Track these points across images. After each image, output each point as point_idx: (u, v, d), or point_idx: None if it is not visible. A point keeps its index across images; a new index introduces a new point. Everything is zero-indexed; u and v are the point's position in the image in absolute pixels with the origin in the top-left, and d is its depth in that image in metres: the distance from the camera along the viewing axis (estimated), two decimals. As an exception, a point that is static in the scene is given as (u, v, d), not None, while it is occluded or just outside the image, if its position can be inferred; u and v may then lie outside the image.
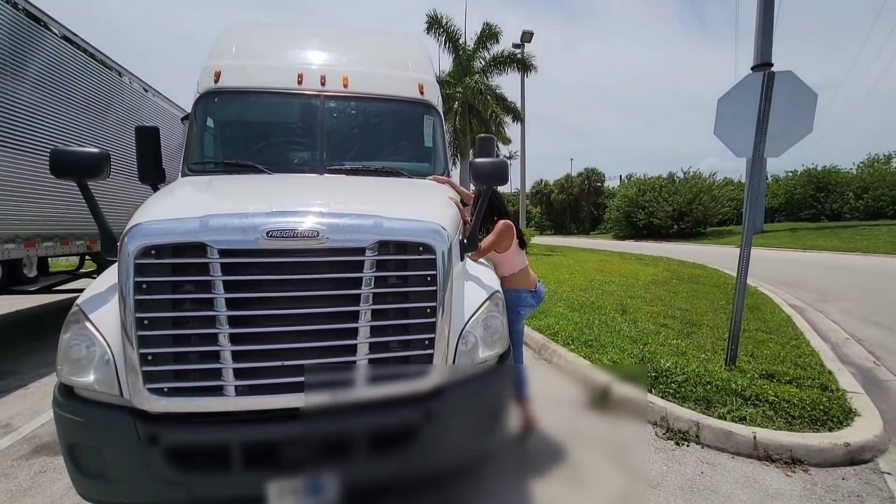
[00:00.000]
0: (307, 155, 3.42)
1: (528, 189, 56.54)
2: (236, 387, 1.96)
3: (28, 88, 5.29)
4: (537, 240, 31.17)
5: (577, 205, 64.88)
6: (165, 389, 1.92)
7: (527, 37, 21.43)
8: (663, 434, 3.38)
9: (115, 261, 2.30)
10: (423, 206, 2.56)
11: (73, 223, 6.20)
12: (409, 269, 2.14)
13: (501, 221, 3.15)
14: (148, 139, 3.36)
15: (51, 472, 2.90)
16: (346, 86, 3.57)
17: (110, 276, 2.33)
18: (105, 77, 6.96)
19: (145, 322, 1.90)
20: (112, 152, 2.57)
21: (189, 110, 3.55)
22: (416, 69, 3.93)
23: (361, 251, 2.04)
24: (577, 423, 3.60)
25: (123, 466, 1.99)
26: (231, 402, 1.98)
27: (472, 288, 2.50)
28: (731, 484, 2.77)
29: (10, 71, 5.01)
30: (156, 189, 3.27)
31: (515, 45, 21.49)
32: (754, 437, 3.06)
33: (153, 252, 1.90)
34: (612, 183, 62.61)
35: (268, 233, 1.94)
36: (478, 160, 2.62)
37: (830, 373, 4.31)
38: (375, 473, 2.16)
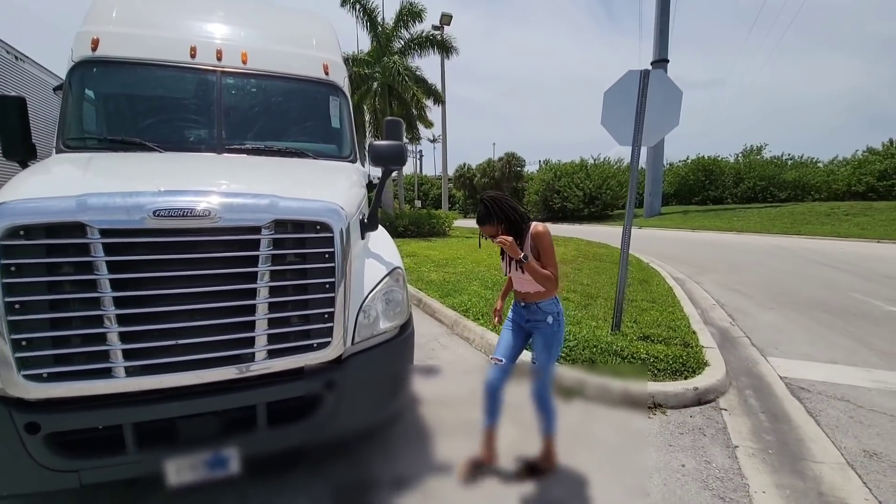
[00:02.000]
0: (203, 133, 3.29)
1: (451, 173, 57.31)
2: (126, 368, 1.94)
3: None
4: (460, 223, 31.91)
5: (498, 188, 66.93)
6: (45, 375, 1.86)
7: (446, 19, 21.52)
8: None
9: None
10: (325, 187, 2.63)
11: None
12: (306, 246, 2.22)
13: (536, 225, 2.56)
14: (13, 111, 3.04)
15: None
16: (244, 62, 3.46)
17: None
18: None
19: (16, 306, 1.81)
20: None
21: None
22: (321, 48, 3.88)
23: (257, 230, 2.08)
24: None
25: (1, 458, 1.89)
26: (121, 384, 1.95)
27: (373, 265, 2.64)
28: (605, 428, 3.22)
29: None
30: (24, 166, 2.99)
31: (435, 27, 21.47)
32: (625, 389, 3.56)
33: (22, 233, 1.81)
34: (531, 168, 65.38)
35: (154, 212, 1.92)
36: (377, 143, 2.74)
37: (694, 333, 5.06)
38: (279, 443, 2.26)
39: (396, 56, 18.54)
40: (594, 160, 42.49)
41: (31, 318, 1.83)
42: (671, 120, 4.47)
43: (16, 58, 7.30)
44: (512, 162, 64.87)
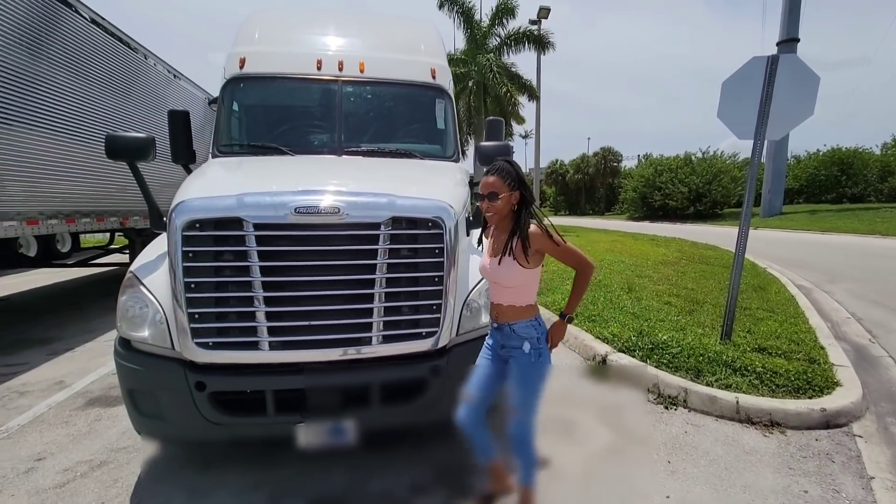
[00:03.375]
0: (326, 137, 3.67)
1: (542, 169, 56.04)
2: (270, 342, 2.27)
3: (72, 76, 5.62)
4: (552, 220, 31.09)
5: (592, 185, 64.05)
6: (210, 343, 2.24)
7: (543, 13, 21.01)
8: (654, 399, 3.65)
9: (160, 233, 2.64)
10: (434, 185, 2.81)
11: (107, 201, 6.60)
12: (419, 242, 2.41)
13: (533, 227, 2.03)
14: (179, 122, 3.63)
15: (105, 420, 3.30)
16: (362, 71, 3.78)
17: (156, 246, 2.66)
18: (136, 62, 7.30)
19: (192, 286, 2.21)
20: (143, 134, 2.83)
21: (213, 94, 3.80)
22: (428, 53, 4.11)
23: (377, 226, 2.31)
24: (574, 388, 3.90)
25: (175, 408, 2.33)
26: (265, 356, 2.29)
27: (476, 261, 2.75)
28: (712, 442, 3.03)
29: (48, 56, 5.33)
30: (187, 169, 3.57)
31: (532, 22, 21.10)
32: (737, 402, 3.31)
33: (197, 225, 2.20)
34: (629, 163, 61.67)
35: (295, 209, 2.22)
36: (483, 143, 2.85)
37: (822, 348, 4.50)
38: (389, 420, 2.49)
39: (491, 54, 18.57)
40: (702, 154, 38.82)
41: (202, 296, 2.22)
42: (804, 109, 4.01)
43: (174, 76, 8.60)
44: (608, 157, 61.70)
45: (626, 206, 45.60)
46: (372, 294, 2.33)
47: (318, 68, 3.73)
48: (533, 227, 2.01)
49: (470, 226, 2.85)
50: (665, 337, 4.47)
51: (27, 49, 5.06)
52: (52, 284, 8.95)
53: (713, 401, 3.39)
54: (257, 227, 2.22)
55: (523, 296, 2.09)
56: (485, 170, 2.08)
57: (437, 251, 2.41)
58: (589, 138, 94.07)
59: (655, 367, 3.95)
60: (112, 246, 9.36)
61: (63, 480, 2.57)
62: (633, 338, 4.55)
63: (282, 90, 3.78)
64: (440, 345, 2.46)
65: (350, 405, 2.41)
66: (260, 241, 2.22)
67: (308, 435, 2.35)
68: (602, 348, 4.43)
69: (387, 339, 2.38)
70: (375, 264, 2.32)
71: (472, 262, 2.73)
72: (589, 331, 5.01)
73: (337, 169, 3.12)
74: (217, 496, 2.44)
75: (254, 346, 2.28)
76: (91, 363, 4.51)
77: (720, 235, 19.83)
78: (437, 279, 2.41)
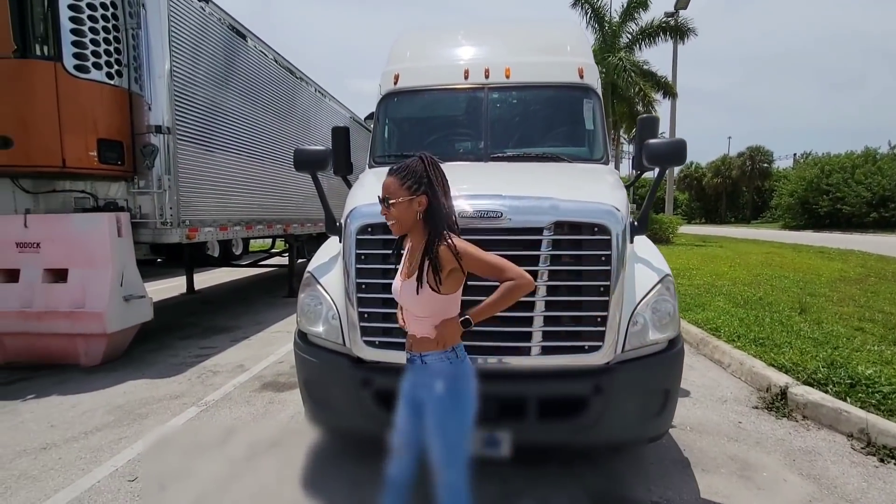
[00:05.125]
0: (473, 144, 3.71)
1: (675, 173, 51.23)
2: (432, 346, 2.31)
3: (249, 104, 6.66)
4: (685, 229, 28.20)
5: (735, 190, 56.72)
6: (377, 343, 2.36)
7: (682, 2, 19.29)
8: (862, 448, 2.96)
9: (332, 236, 2.87)
10: (595, 188, 2.64)
11: (274, 211, 7.63)
12: (583, 248, 2.26)
13: (455, 241, 1.63)
14: (341, 137, 3.97)
15: (277, 404, 3.72)
16: (507, 77, 3.75)
17: (328, 248, 2.90)
18: (304, 91, 8.40)
19: (363, 286, 2.34)
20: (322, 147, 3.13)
21: (352, 110, 4.08)
22: (574, 53, 3.95)
23: (539, 231, 2.22)
24: (746, 423, 3.36)
25: (342, 401, 2.49)
26: (425, 358, 2.33)
27: (642, 271, 2.51)
28: (964, 515, 2.34)
29: (232, 88, 6.35)
30: (346, 181, 3.88)
31: (668, 14, 19.47)
32: None
33: (369, 229, 2.33)
34: (782, 164, 53.33)
35: (460, 213, 2.22)
36: (652, 141, 2.60)
37: None
38: (544, 437, 2.36)
39: (623, 52, 17.51)
40: (891, 147, 31.88)
41: (371, 297, 2.35)
42: None
43: (322, 95, 9.64)
44: (756, 157, 54.11)
45: (781, 213, 39.39)
46: (533, 302, 2.23)
47: (466, 77, 3.79)
48: (460, 247, 1.60)
49: (634, 231, 2.61)
50: (869, 371, 3.64)
51: (219, 84, 6.07)
52: (230, 281, 10.59)
53: (959, 460, 2.63)
54: (421, 232, 2.27)
55: (428, 317, 1.68)
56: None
57: (603, 258, 2.23)
58: (730, 137, 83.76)
59: (861, 407, 3.21)
60: (273, 250, 10.77)
61: (250, 454, 2.93)
62: (821, 369, 3.79)
63: (432, 101, 3.93)
64: (604, 361, 2.27)
65: (506, 417, 2.34)
66: (424, 245, 2.28)
67: (463, 442, 2.33)
68: (779, 378, 3.76)
69: (546, 351, 2.27)
70: (537, 271, 2.22)
71: (638, 272, 2.49)
72: (758, 356, 4.31)
73: (490, 174, 3.11)
74: (373, 489, 2.55)
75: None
76: (262, 350, 5.17)
77: (921, 248, 15.96)
78: (602, 289, 2.23)
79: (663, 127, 29.96)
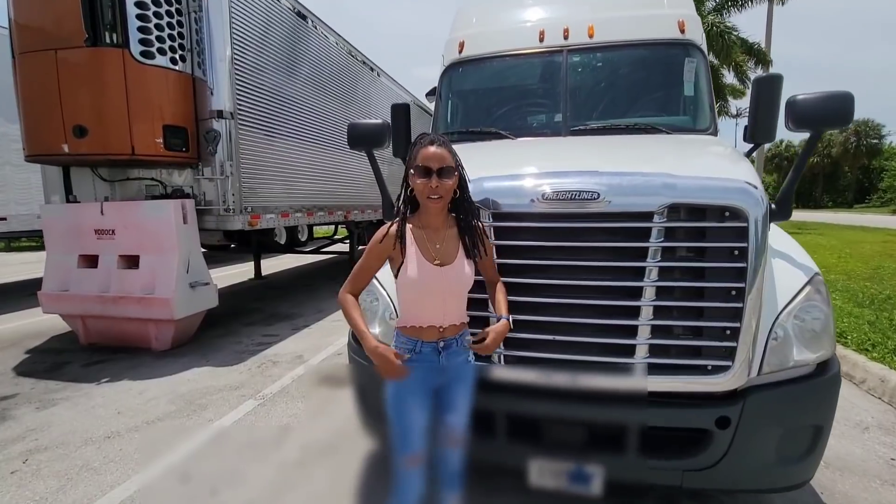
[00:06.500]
0: (549, 117, 3.21)
1: (765, 151, 46.63)
2: (504, 356, 1.91)
3: (312, 91, 6.53)
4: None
5: (835, 170, 50.46)
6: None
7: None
8: None
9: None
10: (715, 161, 2.07)
11: (335, 198, 7.54)
12: (708, 238, 1.74)
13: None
14: (401, 115, 3.61)
15: (333, 403, 3.50)
16: (591, 36, 3.19)
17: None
18: (366, 75, 8.23)
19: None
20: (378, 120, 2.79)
21: (414, 94, 3.68)
22: (673, 4, 3.30)
23: (648, 216, 1.72)
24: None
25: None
26: (496, 371, 1.93)
27: (783, 268, 1.93)
28: None
29: (297, 76, 6.22)
30: (405, 162, 3.53)
31: (761, -29, 17.19)
32: None
33: None
34: (895, 139, 46.56)
35: (543, 195, 1.78)
36: (802, 96, 1.98)
37: None
38: (646, 476, 1.88)
39: (711, 15, 15.67)
40: None
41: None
42: None
43: (378, 74, 9.39)
44: (863, 132, 47.63)
45: (892, 196, 34.42)
46: (638, 307, 1.75)
47: (541, 40, 3.28)
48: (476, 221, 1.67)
49: (773, 217, 2.01)
50: None
51: (281, 68, 5.95)
52: (295, 267, 10.81)
53: None
54: (496, 216, 1.86)
55: (465, 299, 1.69)
56: (422, 139, 1.61)
57: (736, 252, 1.69)
58: (830, 111, 73.07)
59: None
60: (336, 236, 10.83)
61: (301, 458, 2.71)
62: None
63: (502, 69, 3.45)
64: (733, 386, 1.74)
65: (597, 447, 1.89)
66: (498, 233, 1.86)
67: (543, 474, 1.91)
68: (946, 404, 2.96)
69: (655, 369, 1.78)
70: (645, 268, 1.73)
71: (779, 270, 1.91)
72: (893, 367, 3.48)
73: (576, 149, 2.60)
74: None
75: (485, 358, 1.94)
76: (322, 340, 5.04)
77: None
78: (734, 292, 1.70)
79: (745, 102, 27.07)
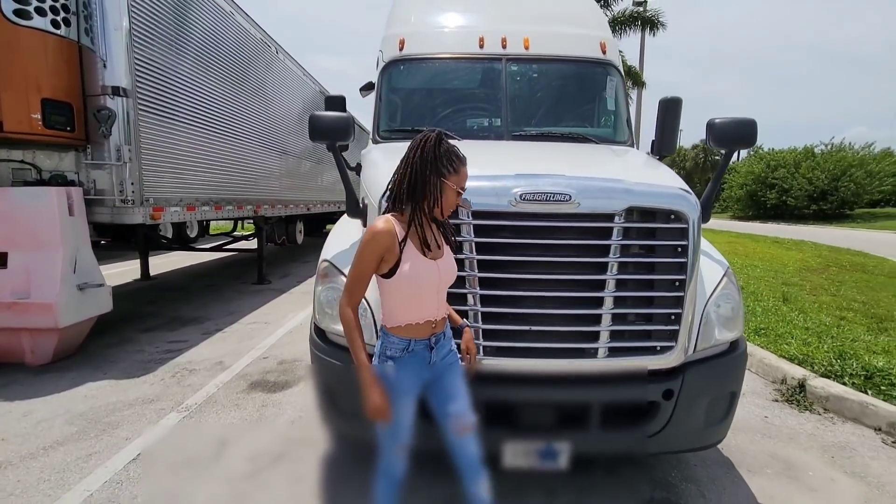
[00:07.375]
0: (491, 120, 3.37)
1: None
2: (483, 347, 2.00)
3: (212, 76, 5.96)
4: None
5: (689, 181, 58.92)
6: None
7: (651, -8, 19.45)
8: (893, 442, 2.93)
9: (347, 219, 2.47)
10: (653, 171, 2.38)
11: (245, 191, 6.96)
12: (657, 238, 2.00)
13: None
14: (338, 108, 3.49)
15: (271, 408, 3.29)
16: (527, 48, 3.42)
17: (343, 233, 2.50)
18: (279, 65, 7.71)
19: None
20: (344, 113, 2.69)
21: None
22: (596, 26, 3.68)
23: (611, 217, 1.93)
24: (772, 417, 3.29)
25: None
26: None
27: (706, 263, 2.29)
28: None
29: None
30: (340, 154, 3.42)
31: (636, 3, 19.61)
32: None
33: None
34: (732, 158, 56.05)
35: (521, 195, 1.90)
36: (718, 119, 2.36)
37: None
38: (606, 447, 2.12)
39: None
40: (825, 146, 34.07)
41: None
42: None
43: (298, 71, 8.90)
44: (709, 151, 56.55)
45: (731, 204, 41.46)
46: (601, 298, 1.96)
47: (481, 46, 3.42)
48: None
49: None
50: (881, 363, 3.66)
51: (194, 53, 5.35)
52: (187, 266, 9.74)
53: None
54: (476, 215, 1.94)
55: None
56: (457, 155, 1.71)
57: (679, 249, 1.98)
58: (681, 129, 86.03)
59: (885, 400, 3.20)
60: (236, 233, 10.00)
61: (251, 470, 2.52)
62: (833, 360, 3.78)
63: (443, 71, 3.53)
64: (676, 363, 2.04)
65: (565, 426, 2.07)
66: (478, 231, 1.95)
67: (516, 455, 2.04)
68: (795, 371, 3.73)
69: (614, 352, 2.01)
70: (607, 263, 1.94)
71: (703, 265, 2.26)
72: (765, 347, 4.29)
73: (530, 153, 2.76)
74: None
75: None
76: (241, 345, 4.66)
77: (853, 239, 17.11)
78: (677, 283, 1.99)
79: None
